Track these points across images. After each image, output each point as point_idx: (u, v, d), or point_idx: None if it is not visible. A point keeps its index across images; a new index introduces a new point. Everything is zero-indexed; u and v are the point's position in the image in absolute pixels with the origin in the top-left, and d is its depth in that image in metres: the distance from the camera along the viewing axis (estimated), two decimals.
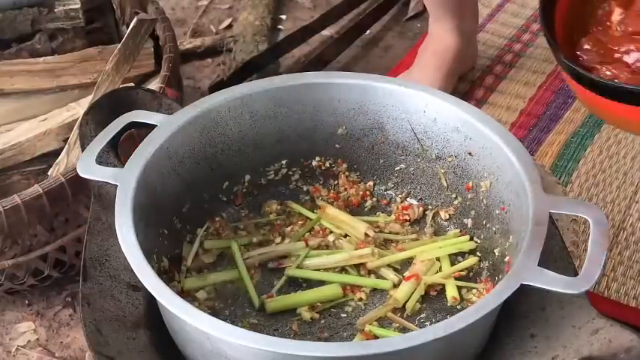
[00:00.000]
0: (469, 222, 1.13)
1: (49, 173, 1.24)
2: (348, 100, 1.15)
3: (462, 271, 1.09)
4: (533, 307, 0.98)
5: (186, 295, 1.06)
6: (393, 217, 1.17)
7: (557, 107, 1.51)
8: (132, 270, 0.92)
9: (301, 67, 1.55)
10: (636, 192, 1.30)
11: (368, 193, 1.20)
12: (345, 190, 1.20)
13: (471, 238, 1.12)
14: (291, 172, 1.20)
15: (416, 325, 1.03)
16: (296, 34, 1.61)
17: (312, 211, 1.17)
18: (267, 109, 1.14)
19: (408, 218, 1.16)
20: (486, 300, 0.89)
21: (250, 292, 1.07)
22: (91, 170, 1.03)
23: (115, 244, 0.99)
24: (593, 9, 1.07)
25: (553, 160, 1.39)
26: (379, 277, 1.10)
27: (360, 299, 1.07)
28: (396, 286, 1.08)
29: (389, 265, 1.10)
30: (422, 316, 1.05)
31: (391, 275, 1.09)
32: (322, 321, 1.05)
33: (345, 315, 1.06)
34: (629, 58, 1.01)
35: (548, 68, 1.59)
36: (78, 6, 1.41)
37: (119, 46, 1.32)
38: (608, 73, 1.01)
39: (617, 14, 1.04)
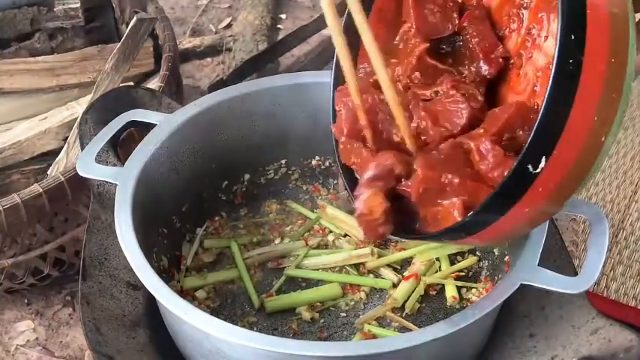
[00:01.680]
0: None
1: (48, 172, 1.24)
2: None
3: (461, 270, 1.09)
4: (532, 307, 0.98)
5: (185, 294, 1.06)
6: None
7: None
8: (131, 269, 0.92)
9: (301, 67, 1.55)
10: (636, 191, 1.30)
11: None
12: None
13: None
14: (290, 172, 1.20)
15: (415, 325, 1.03)
16: (296, 33, 1.60)
17: (312, 211, 1.17)
18: (267, 109, 1.14)
19: None
20: (486, 300, 0.88)
21: (250, 291, 1.07)
22: (90, 169, 1.03)
23: (115, 243, 0.99)
24: None
25: None
26: (378, 276, 1.10)
27: (360, 299, 1.07)
28: (395, 285, 1.08)
29: (388, 265, 1.10)
30: (421, 315, 1.05)
31: (390, 275, 1.09)
32: (322, 320, 1.05)
33: (344, 314, 1.06)
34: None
35: None
36: (77, 5, 1.41)
37: (119, 45, 1.31)
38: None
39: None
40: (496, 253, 1.07)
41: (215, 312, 1.05)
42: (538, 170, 0.74)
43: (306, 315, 1.05)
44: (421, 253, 1.10)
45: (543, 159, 0.73)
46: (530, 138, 0.73)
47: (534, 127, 0.72)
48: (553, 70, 0.71)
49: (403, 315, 1.05)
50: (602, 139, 0.76)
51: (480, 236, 0.81)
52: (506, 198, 0.76)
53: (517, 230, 0.86)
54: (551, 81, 0.71)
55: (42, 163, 1.28)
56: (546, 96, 0.72)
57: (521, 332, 0.97)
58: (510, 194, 0.76)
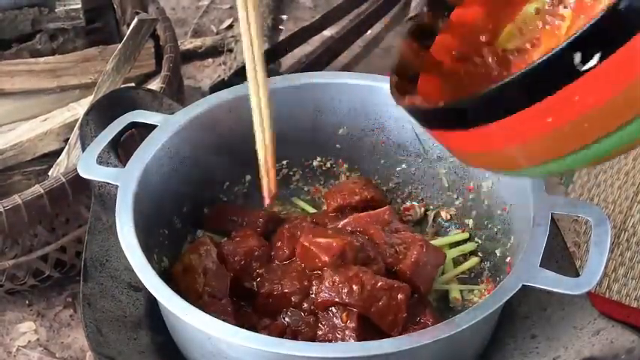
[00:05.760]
0: (470, 222, 1.13)
1: (49, 173, 1.24)
2: (349, 101, 1.14)
3: (463, 272, 1.09)
4: (534, 308, 0.98)
5: None
6: None
7: None
8: (132, 270, 0.92)
9: (302, 67, 1.54)
10: (638, 192, 1.30)
11: None
12: None
13: (472, 239, 1.12)
14: (291, 173, 1.20)
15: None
16: (297, 34, 1.60)
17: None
18: None
19: (409, 219, 1.16)
20: (488, 301, 0.88)
21: None
22: (91, 170, 1.03)
23: (116, 245, 0.99)
24: None
25: None
26: None
27: None
28: None
29: None
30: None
31: None
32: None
33: None
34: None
35: None
36: (79, 6, 1.41)
37: (120, 46, 1.31)
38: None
39: None
40: (498, 254, 1.07)
41: None
42: (585, 68, 0.58)
43: None
44: None
45: (597, 56, 0.58)
46: (594, 18, 0.57)
47: (606, 7, 0.56)
48: None
49: None
50: None
51: (479, 134, 0.67)
52: (534, 82, 0.61)
53: (530, 152, 0.68)
54: None
55: (43, 164, 1.28)
56: None
57: (522, 333, 0.97)
58: (540, 80, 0.61)
